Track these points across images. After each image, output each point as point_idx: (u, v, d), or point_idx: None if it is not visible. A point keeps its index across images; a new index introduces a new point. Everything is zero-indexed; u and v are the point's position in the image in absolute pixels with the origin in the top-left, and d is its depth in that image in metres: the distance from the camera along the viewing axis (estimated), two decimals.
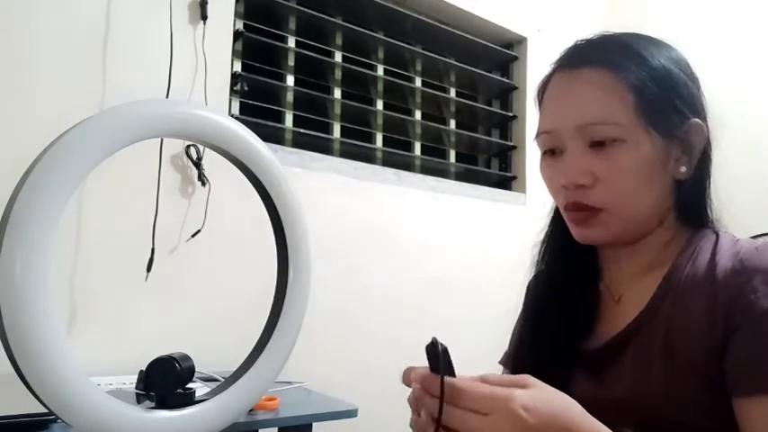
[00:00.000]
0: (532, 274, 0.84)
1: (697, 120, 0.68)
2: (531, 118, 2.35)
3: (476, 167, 2.38)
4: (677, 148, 0.68)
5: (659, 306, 0.66)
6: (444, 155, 2.30)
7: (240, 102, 1.76)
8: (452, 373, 0.50)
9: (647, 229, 0.69)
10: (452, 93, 2.34)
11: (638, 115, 0.65)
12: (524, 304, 0.86)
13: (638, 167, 0.65)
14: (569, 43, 0.74)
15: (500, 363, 0.87)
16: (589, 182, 0.66)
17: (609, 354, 0.68)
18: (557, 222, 0.78)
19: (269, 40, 1.81)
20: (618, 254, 0.73)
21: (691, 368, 0.60)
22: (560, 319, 0.73)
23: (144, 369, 0.62)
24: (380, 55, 2.12)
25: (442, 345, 0.50)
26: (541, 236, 0.81)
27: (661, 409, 0.61)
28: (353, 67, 2.00)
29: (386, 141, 2.11)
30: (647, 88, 0.66)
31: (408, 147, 2.20)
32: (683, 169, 0.68)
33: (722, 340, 0.59)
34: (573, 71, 0.70)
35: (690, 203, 0.70)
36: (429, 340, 0.50)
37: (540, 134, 0.72)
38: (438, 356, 0.49)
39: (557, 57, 0.74)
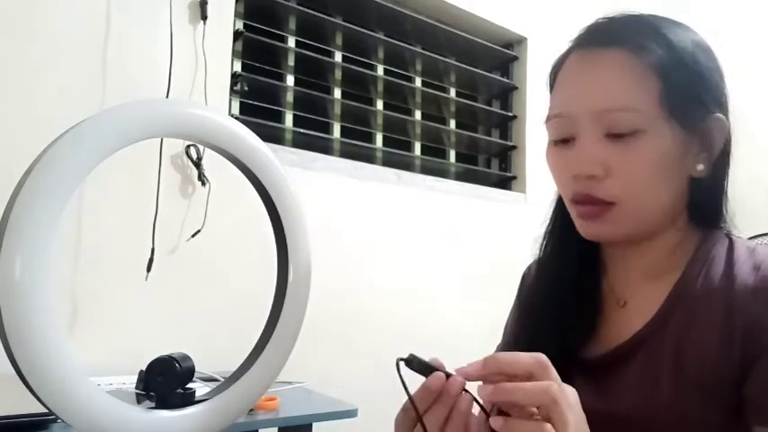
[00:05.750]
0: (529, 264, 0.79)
1: (719, 115, 0.63)
2: (531, 118, 2.38)
3: (476, 167, 2.38)
4: (697, 143, 0.63)
5: (669, 317, 0.62)
6: (444, 155, 2.30)
7: (240, 102, 1.76)
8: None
9: (658, 228, 0.65)
10: (452, 93, 2.34)
11: (661, 104, 0.60)
12: (519, 299, 0.81)
13: (657, 161, 0.60)
14: (589, 22, 0.68)
15: None
16: (601, 173, 0.61)
17: (612, 363, 0.64)
18: (558, 214, 0.73)
19: (269, 40, 1.81)
20: (625, 252, 0.68)
21: (702, 388, 0.57)
22: (560, 319, 0.69)
23: (144, 369, 0.62)
24: (380, 55, 2.12)
25: (407, 358, 0.52)
26: (543, 228, 0.76)
27: (668, 427, 0.59)
28: (353, 67, 2.00)
29: (386, 141, 2.11)
30: (673, 75, 0.60)
31: (408, 147, 2.20)
32: (701, 167, 0.63)
33: (740, 366, 0.56)
34: (594, 51, 0.64)
35: (704, 204, 0.66)
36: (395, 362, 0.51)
37: (551, 118, 0.66)
38: (421, 369, 0.51)
39: (575, 35, 0.68)
